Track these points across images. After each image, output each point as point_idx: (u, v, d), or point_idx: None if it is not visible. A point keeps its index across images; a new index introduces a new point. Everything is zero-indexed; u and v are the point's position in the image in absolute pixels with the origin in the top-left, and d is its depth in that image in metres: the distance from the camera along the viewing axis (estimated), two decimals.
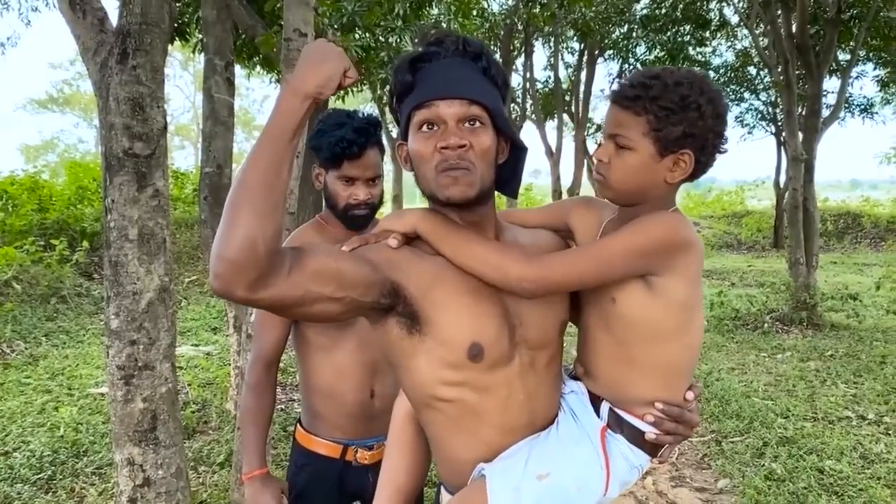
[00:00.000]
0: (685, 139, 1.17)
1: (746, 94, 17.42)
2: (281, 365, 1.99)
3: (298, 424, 2.02)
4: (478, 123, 1.20)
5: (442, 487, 1.37)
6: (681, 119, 1.15)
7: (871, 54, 12.42)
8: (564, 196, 15.32)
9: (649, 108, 1.16)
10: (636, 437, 1.24)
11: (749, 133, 18.71)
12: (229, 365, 5.31)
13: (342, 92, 8.96)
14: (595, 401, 1.29)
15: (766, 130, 18.49)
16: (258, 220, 0.98)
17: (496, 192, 1.33)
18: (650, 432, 1.23)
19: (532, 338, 1.27)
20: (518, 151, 1.31)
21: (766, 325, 7.78)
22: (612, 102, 1.23)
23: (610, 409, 1.26)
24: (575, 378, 1.36)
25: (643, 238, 1.15)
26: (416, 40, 1.29)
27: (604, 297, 1.24)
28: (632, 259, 1.15)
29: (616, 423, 1.25)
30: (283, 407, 5.10)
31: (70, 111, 44.64)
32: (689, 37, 13.87)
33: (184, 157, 48.96)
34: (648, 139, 1.17)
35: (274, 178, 1.02)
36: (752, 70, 16.18)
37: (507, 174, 1.32)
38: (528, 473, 1.18)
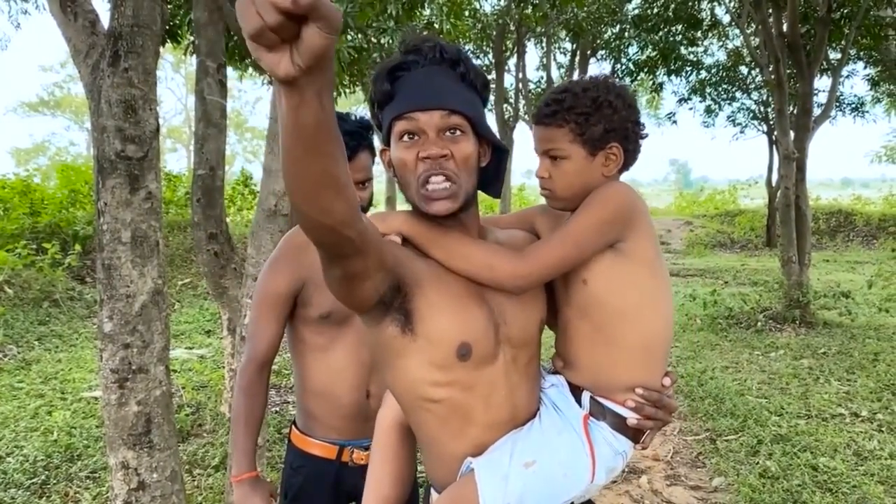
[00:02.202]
0: (608, 134, 1.29)
1: (738, 94, 17.48)
2: (275, 367, 1.99)
3: (293, 426, 2.01)
4: (458, 132, 1.22)
5: (431, 488, 1.38)
6: (598, 118, 1.28)
7: (861, 53, 12.46)
8: None
9: (568, 118, 1.29)
10: (618, 424, 1.29)
11: (741, 132, 18.81)
12: (223, 368, 5.30)
13: (335, 93, 8.98)
14: (575, 391, 1.33)
15: (758, 129, 18.58)
16: (335, 202, 0.95)
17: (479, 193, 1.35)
18: (632, 418, 1.28)
19: (515, 336, 1.31)
20: (500, 153, 1.34)
21: (759, 323, 7.81)
22: (535, 125, 1.34)
23: (591, 397, 1.31)
24: (554, 373, 1.41)
25: (604, 207, 1.24)
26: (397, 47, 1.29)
27: (575, 283, 1.30)
28: (602, 229, 1.24)
29: (598, 411, 1.30)
30: (277, 409, 5.09)
31: (61, 114, 44.48)
32: (680, 36, 13.87)
33: (176, 159, 48.92)
34: (577, 144, 1.29)
35: (303, 153, 0.88)
36: (744, 69, 16.24)
37: (490, 175, 1.35)
38: (515, 463, 1.22)
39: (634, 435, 1.31)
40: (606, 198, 1.25)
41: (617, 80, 1.35)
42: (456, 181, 1.21)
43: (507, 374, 1.29)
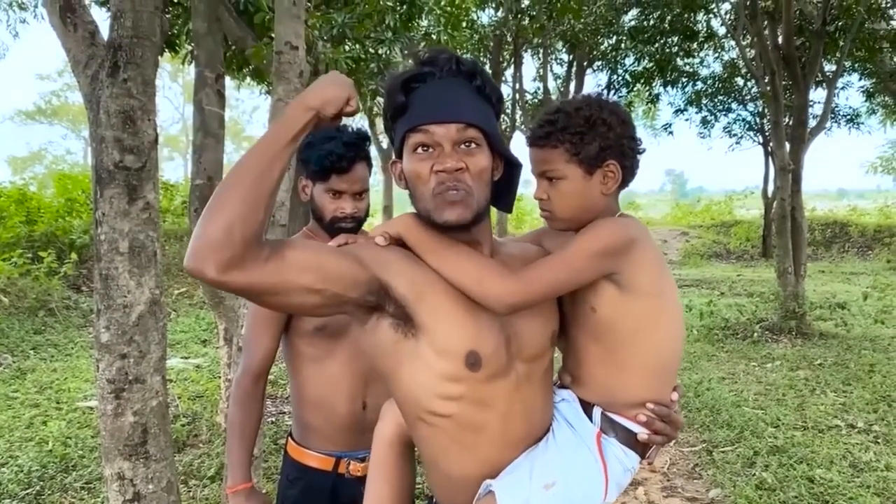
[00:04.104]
0: (604, 152, 1.28)
1: (734, 105, 17.52)
2: (271, 377, 1.99)
3: (290, 437, 2.01)
4: (473, 145, 1.21)
5: None
6: (593, 136, 1.27)
7: (856, 65, 12.55)
8: None
9: (563, 138, 1.28)
10: (628, 439, 1.29)
11: (737, 143, 18.85)
12: (219, 377, 5.29)
13: None
14: (586, 407, 1.33)
15: (754, 140, 18.61)
16: (241, 206, 1.01)
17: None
18: (642, 433, 1.28)
19: (527, 349, 1.29)
20: (512, 168, 1.33)
21: (755, 334, 7.82)
22: (530, 147, 1.34)
23: (602, 413, 1.30)
24: (562, 387, 1.40)
25: (598, 240, 1.23)
26: (410, 59, 1.29)
27: (584, 310, 1.30)
28: (595, 260, 1.22)
29: (609, 427, 1.30)
30: (273, 420, 5.08)
31: (58, 122, 44.48)
32: (676, 48, 13.94)
33: (173, 168, 49.05)
34: (573, 164, 1.29)
35: (265, 172, 1.06)
36: (740, 81, 16.30)
37: (502, 189, 1.34)
38: (535, 485, 1.21)
39: (642, 450, 1.31)
40: (599, 232, 1.25)
41: (610, 96, 1.34)
42: (470, 192, 1.20)
43: (520, 389, 1.27)
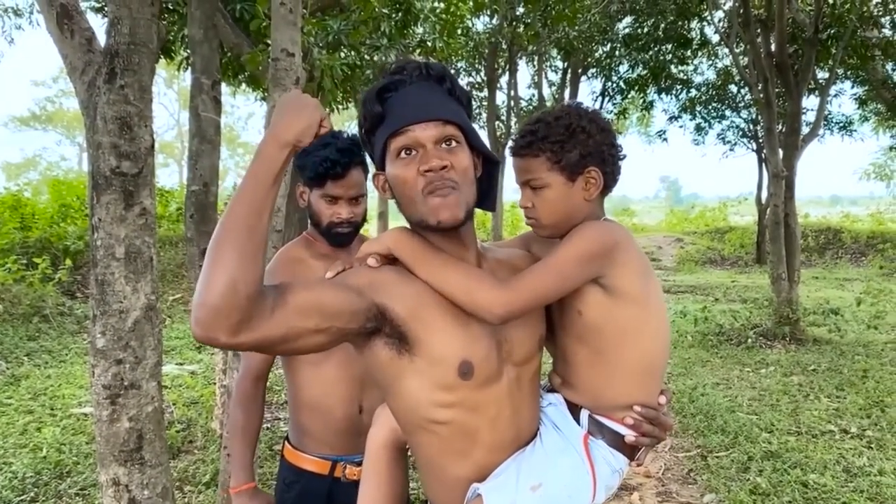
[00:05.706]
0: (585, 159, 1.30)
1: (728, 112, 17.65)
2: (267, 383, 2.00)
3: (286, 441, 2.02)
4: (454, 143, 1.22)
5: None
6: (573, 144, 1.30)
7: (849, 73, 12.64)
8: None
9: (543, 147, 1.31)
10: (616, 441, 1.31)
11: (731, 150, 18.95)
12: (214, 384, 5.28)
13: (329, 108, 9.02)
14: (574, 410, 1.34)
15: (748, 147, 18.73)
16: (239, 263, 0.99)
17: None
18: (629, 435, 1.30)
19: (517, 354, 1.30)
20: (491, 166, 1.35)
21: (749, 340, 7.84)
22: (513, 157, 1.37)
23: (590, 415, 1.32)
24: (550, 390, 1.42)
25: (582, 245, 1.25)
26: (383, 73, 1.30)
27: (571, 313, 1.31)
28: (581, 265, 1.24)
29: (597, 429, 1.31)
30: (268, 426, 5.07)
31: (52, 129, 44.42)
32: (670, 55, 14.05)
33: (168, 174, 48.88)
34: (555, 172, 1.31)
35: (255, 221, 1.03)
36: (733, 88, 16.41)
37: (483, 189, 1.35)
38: (522, 487, 1.22)
39: (630, 452, 1.32)
40: (584, 236, 1.26)
41: (605, 103, 1.37)
42: (459, 189, 1.21)
43: (510, 394, 1.28)
